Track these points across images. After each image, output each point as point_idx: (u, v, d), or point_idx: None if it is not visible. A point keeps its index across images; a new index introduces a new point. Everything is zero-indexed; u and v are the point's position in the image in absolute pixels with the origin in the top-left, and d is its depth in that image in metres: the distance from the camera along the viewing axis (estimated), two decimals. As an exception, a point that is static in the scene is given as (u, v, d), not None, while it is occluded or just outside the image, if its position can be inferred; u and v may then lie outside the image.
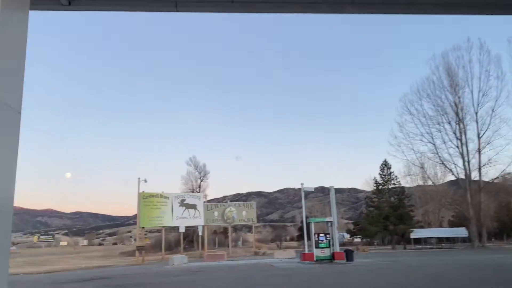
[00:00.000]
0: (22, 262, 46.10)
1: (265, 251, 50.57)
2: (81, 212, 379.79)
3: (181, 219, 44.64)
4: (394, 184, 56.15)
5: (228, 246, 51.50)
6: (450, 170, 51.77)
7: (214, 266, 25.82)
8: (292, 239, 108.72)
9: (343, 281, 13.79)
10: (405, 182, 61.18)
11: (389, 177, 56.18)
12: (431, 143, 49.57)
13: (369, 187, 69.18)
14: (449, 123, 49.92)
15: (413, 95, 53.23)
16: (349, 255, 24.38)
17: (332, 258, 24.40)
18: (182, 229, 45.54)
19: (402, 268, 19.46)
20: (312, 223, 25.37)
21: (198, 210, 45.89)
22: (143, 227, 43.75)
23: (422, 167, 52.86)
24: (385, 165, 56.61)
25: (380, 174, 56.67)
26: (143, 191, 43.30)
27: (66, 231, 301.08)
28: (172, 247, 66.81)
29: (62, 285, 16.29)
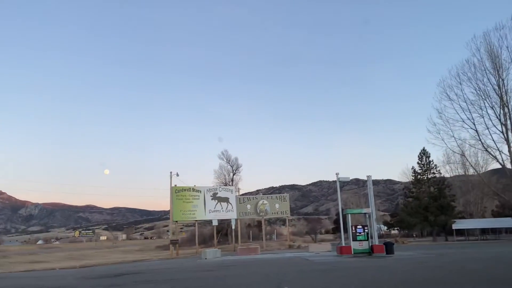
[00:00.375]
0: (62, 256, 47.34)
1: (300, 244, 49.48)
2: (120, 208, 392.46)
3: (214, 213, 44.25)
4: (433, 173, 53.55)
5: (262, 240, 50.76)
6: (495, 157, 48.52)
7: (247, 260, 25.05)
8: (327, 232, 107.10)
9: (385, 276, 12.58)
10: (445, 171, 58.33)
11: (428, 166, 53.61)
12: (473, 129, 46.38)
13: (406, 178, 66.67)
14: (492, 107, 46.60)
15: (452, 80, 50.21)
16: (389, 248, 23.00)
17: (370, 251, 23.09)
18: (215, 223, 45.18)
19: (450, 262, 17.93)
20: (349, 215, 24.06)
21: (230, 203, 45.36)
22: (176, 221, 43.70)
23: (463, 155, 49.91)
24: (424, 154, 54.03)
25: (418, 163, 54.18)
26: (175, 185, 43.20)
27: (106, 226, 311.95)
28: (206, 241, 66.97)
29: (89, 281, 15.93)
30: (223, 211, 44.80)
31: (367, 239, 23.30)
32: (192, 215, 43.29)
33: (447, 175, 59.08)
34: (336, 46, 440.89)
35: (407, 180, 65.33)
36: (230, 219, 46.00)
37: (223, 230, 64.63)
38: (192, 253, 44.46)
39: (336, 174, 24.04)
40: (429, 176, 53.40)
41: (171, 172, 43.09)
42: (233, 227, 46.52)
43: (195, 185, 44.32)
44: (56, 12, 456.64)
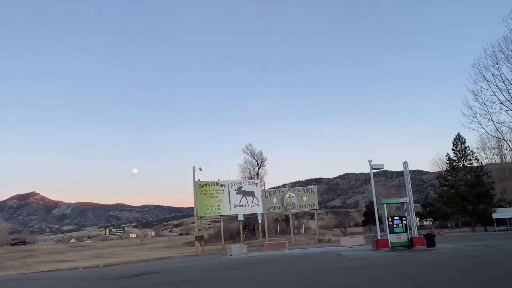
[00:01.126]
0: (88, 255, 47.07)
1: (330, 238, 47.53)
2: (149, 205, 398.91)
3: (239, 207, 42.85)
4: (470, 159, 50.35)
5: (290, 234, 49.05)
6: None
7: (275, 256, 23.41)
8: (356, 225, 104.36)
9: (436, 273, 10.67)
10: (480, 157, 54.90)
11: (464, 152, 50.44)
12: (513, 110, 43.20)
13: (437, 167, 63.44)
14: (534, 86, 43.25)
15: (488, 59, 46.89)
16: (430, 240, 20.89)
17: (410, 244, 21.02)
18: (240, 218, 43.78)
19: (506, 255, 15.77)
20: (385, 205, 22.01)
21: (256, 197, 43.83)
22: (201, 217, 42.53)
23: (503, 139, 46.55)
24: (459, 139, 50.87)
25: (453, 150, 51.07)
26: (198, 180, 42.03)
27: (136, 224, 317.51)
28: (234, 236, 65.90)
29: (104, 282, 14.69)
30: (248, 205, 43.33)
31: (406, 231, 21.23)
32: (217, 210, 42.01)
33: (484, 162, 55.69)
34: (361, 27, 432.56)
35: (439, 170, 62.19)
36: (256, 213, 44.52)
37: (250, 225, 63.30)
38: (218, 249, 43.30)
39: (368, 161, 22.06)
40: (465, 163, 50.26)
41: (193, 167, 41.98)
42: (260, 222, 45.03)
43: (218, 179, 43.02)
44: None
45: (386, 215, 21.51)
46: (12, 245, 76.86)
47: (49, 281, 17.54)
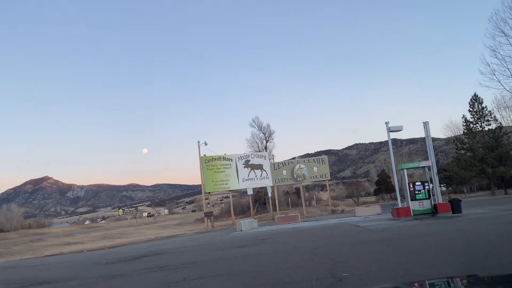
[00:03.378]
0: (97, 236, 46.29)
1: (344, 209, 46.04)
2: (161, 184, 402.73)
3: (248, 181, 41.27)
4: (488, 120, 47.86)
5: (302, 206, 47.59)
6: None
7: (287, 229, 21.84)
8: (368, 194, 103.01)
9: (483, 245, 8.88)
10: (499, 117, 52.36)
11: (481, 113, 47.91)
12: (536, 66, 40.35)
13: (450, 132, 61.10)
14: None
15: (506, 12, 43.68)
16: (456, 206, 19.07)
17: (433, 211, 19.23)
18: (250, 192, 42.28)
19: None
20: (405, 170, 20.11)
21: (265, 170, 42.16)
22: (209, 193, 41.14)
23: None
24: (476, 99, 48.23)
25: (470, 111, 48.53)
26: (204, 155, 40.41)
27: (149, 203, 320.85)
28: (245, 211, 64.85)
29: (99, 267, 13.22)
30: (257, 179, 41.73)
31: (429, 198, 19.40)
32: (225, 185, 40.49)
33: (502, 123, 53.19)
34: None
35: (451, 135, 59.80)
36: (266, 187, 42.97)
37: (261, 199, 62.08)
38: (228, 224, 42.10)
39: (385, 123, 20.03)
40: (483, 125, 47.82)
41: (198, 142, 40.34)
42: (270, 195, 43.56)
43: (225, 154, 41.34)
44: None
45: (407, 181, 19.66)
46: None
47: (42, 268, 16.19)
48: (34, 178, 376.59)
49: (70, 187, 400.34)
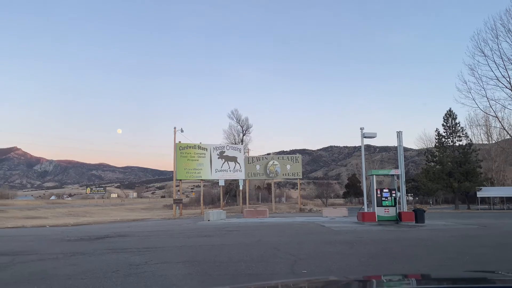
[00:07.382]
0: (61, 213, 45.34)
1: (312, 208, 46.69)
2: (132, 167, 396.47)
3: (221, 172, 41.27)
4: (459, 136, 49.36)
5: (272, 202, 47.95)
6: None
7: (254, 223, 22.01)
8: (337, 196, 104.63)
9: (437, 255, 9.22)
10: (470, 134, 54.26)
11: (454, 129, 49.35)
12: (509, 88, 41.83)
13: (422, 144, 63.03)
14: (533, 64, 41.75)
15: (487, 33, 45.09)
16: (419, 216, 19.64)
17: (398, 219, 19.78)
18: (221, 183, 42.30)
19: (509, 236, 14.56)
20: (373, 176, 20.56)
21: (238, 163, 42.23)
22: (180, 180, 40.90)
23: (495, 116, 45.42)
24: (450, 115, 49.60)
25: (443, 126, 49.90)
26: (179, 142, 40.09)
27: (118, 184, 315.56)
28: (215, 201, 64.82)
29: (60, 244, 12.99)
30: (230, 171, 41.77)
31: (395, 205, 19.93)
32: (197, 174, 40.35)
33: (472, 140, 55.06)
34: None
35: (423, 147, 61.61)
36: (238, 179, 43.07)
37: (232, 191, 62.14)
38: (197, 213, 42.02)
39: (360, 129, 20.42)
40: (455, 140, 49.32)
41: (175, 128, 39.92)
42: (241, 188, 43.69)
43: (200, 142, 41.14)
44: None
45: (375, 187, 20.12)
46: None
47: (1, 239, 15.76)
48: (1, 147, 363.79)
49: (38, 160, 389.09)
